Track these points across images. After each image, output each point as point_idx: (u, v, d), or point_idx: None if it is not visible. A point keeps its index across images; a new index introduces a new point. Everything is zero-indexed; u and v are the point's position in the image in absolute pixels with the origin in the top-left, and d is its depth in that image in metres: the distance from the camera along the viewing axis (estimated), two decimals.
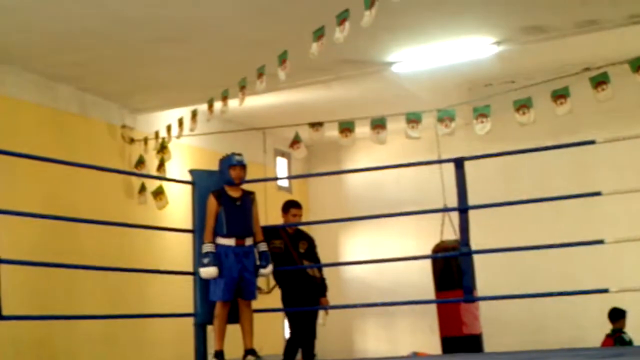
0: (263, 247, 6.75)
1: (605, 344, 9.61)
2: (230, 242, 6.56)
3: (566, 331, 11.36)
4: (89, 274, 8.90)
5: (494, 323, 11.47)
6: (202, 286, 6.85)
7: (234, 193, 6.71)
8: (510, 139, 9.78)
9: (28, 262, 7.64)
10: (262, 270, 6.70)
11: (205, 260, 6.50)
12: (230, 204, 6.63)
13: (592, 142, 6.56)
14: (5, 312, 5.69)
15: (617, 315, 9.77)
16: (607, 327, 9.85)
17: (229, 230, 6.56)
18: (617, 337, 9.69)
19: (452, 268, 8.91)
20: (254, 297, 6.67)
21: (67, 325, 8.82)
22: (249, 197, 6.79)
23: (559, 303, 10.96)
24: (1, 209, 5.87)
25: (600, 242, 6.39)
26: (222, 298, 6.54)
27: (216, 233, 6.60)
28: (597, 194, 6.49)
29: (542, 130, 10.24)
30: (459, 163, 6.68)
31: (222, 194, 6.68)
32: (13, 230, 8.12)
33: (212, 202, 6.63)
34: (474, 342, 8.77)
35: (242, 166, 6.70)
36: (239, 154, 6.77)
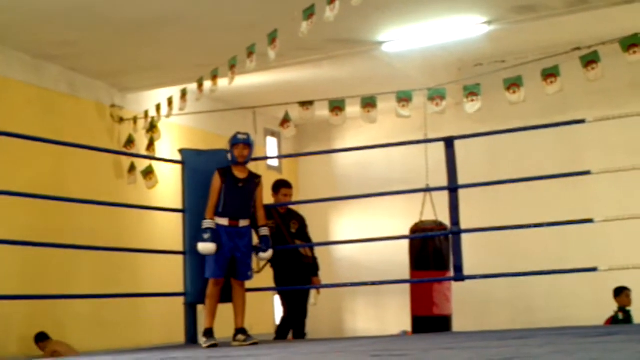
0: (264, 231, 6.76)
1: (606, 322, 9.71)
2: (223, 221, 6.55)
3: (556, 310, 11.43)
4: (79, 254, 8.92)
5: (482, 303, 11.55)
6: (193, 265, 6.85)
7: (239, 174, 6.67)
8: (500, 119, 9.79)
9: (19, 242, 7.63)
10: (261, 254, 6.70)
11: (206, 236, 6.46)
12: (233, 184, 6.60)
13: (582, 122, 6.56)
14: None
15: (617, 292, 9.87)
16: (598, 305, 9.93)
17: (225, 209, 6.56)
18: (613, 316, 9.78)
19: (429, 249, 8.96)
20: (246, 277, 6.67)
21: (59, 304, 8.82)
22: (254, 180, 6.76)
23: (548, 282, 11.03)
24: None
25: (590, 221, 6.41)
26: (214, 275, 6.54)
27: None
28: (587, 173, 6.51)
29: (532, 110, 10.26)
30: (449, 142, 6.68)
31: (228, 172, 6.65)
32: (3, 211, 8.10)
33: (216, 179, 6.60)
34: (443, 323, 8.84)
35: (246, 144, 6.67)
36: (244, 133, 6.75)
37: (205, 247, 6.45)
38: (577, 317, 10.20)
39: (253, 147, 6.75)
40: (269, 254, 6.76)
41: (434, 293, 8.91)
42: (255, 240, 6.86)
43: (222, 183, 6.57)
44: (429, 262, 8.90)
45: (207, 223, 6.52)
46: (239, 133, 6.73)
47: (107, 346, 9.25)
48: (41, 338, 8.68)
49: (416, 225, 9.27)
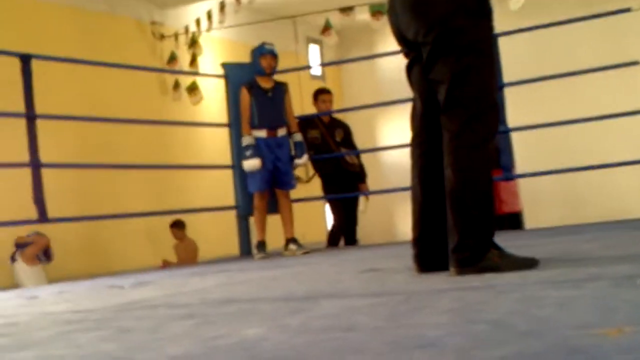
0: (298, 137, 6.78)
1: None
2: (262, 133, 6.57)
3: (607, 205, 11.35)
4: (130, 174, 9.03)
5: (534, 200, 11.49)
6: (242, 179, 6.90)
7: (265, 84, 6.68)
8: (542, 14, 9.57)
9: (69, 165, 7.75)
10: (296, 161, 6.75)
11: (248, 153, 6.50)
12: (262, 95, 6.62)
13: (627, 10, 6.41)
14: (50, 215, 5.81)
15: None
16: None
17: (260, 121, 6.57)
18: None
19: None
20: (291, 186, 6.74)
21: (112, 225, 8.97)
22: (281, 87, 6.77)
23: (598, 177, 10.92)
24: (40, 114, 5.90)
25: (638, 112, 6.32)
26: (259, 189, 6.59)
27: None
28: (634, 63, 6.39)
29: (576, 2, 10.01)
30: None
31: (254, 85, 6.66)
32: (52, 135, 8.18)
33: (244, 94, 6.62)
34: (514, 220, 8.79)
35: (273, 55, 6.66)
36: (270, 43, 6.73)
37: (250, 164, 6.49)
38: (629, 210, 10.12)
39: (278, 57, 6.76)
40: (304, 159, 6.81)
41: (501, 191, 8.84)
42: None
43: (250, 96, 6.58)
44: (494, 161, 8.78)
45: (247, 139, 6.55)
46: (265, 43, 6.71)
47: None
48: (177, 225, 9.56)
49: None
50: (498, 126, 3.28)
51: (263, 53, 6.65)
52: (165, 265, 9.01)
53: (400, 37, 3.37)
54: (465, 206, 3.03)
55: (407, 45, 3.34)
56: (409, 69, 3.43)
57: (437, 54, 3.14)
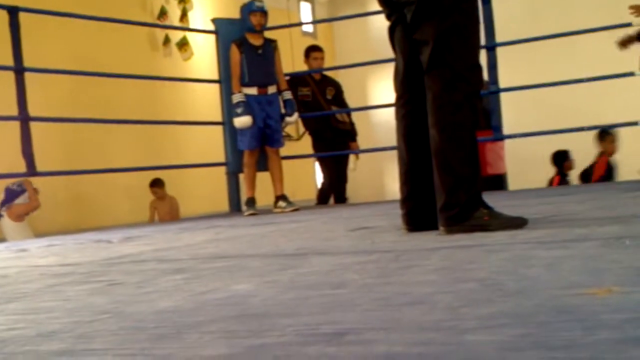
0: (287, 95, 6.77)
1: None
2: (252, 91, 6.54)
3: None
4: (120, 129, 8.99)
5: (523, 161, 11.51)
6: (232, 135, 6.89)
7: (255, 41, 6.64)
8: None
9: (58, 119, 7.70)
10: (287, 119, 6.74)
11: (239, 110, 6.48)
12: (252, 52, 6.58)
13: None
14: (39, 169, 5.79)
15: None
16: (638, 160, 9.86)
17: (251, 79, 6.54)
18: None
19: (478, 108, 8.83)
20: (280, 144, 6.73)
21: (101, 180, 8.95)
22: (270, 45, 6.73)
23: (589, 138, 10.93)
24: (30, 67, 5.85)
25: (631, 74, 6.32)
26: (249, 147, 6.59)
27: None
28: (627, 24, 6.37)
29: None
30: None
31: (244, 42, 6.62)
32: (42, 89, 8.13)
33: (234, 51, 6.59)
34: (498, 182, 8.82)
35: (263, 12, 6.61)
36: (260, 0, 6.68)
37: (242, 121, 6.47)
38: (620, 173, 10.15)
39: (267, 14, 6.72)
40: (294, 117, 6.80)
41: (487, 152, 8.84)
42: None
43: (240, 53, 6.55)
44: (479, 121, 8.79)
45: (237, 97, 6.52)
46: (255, 0, 6.65)
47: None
48: (157, 184, 9.51)
49: None
50: (481, 85, 3.32)
51: (253, 10, 6.60)
52: None
53: None
54: (451, 165, 3.07)
55: (390, 7, 3.34)
56: (391, 30, 3.42)
57: (422, 14, 3.15)
